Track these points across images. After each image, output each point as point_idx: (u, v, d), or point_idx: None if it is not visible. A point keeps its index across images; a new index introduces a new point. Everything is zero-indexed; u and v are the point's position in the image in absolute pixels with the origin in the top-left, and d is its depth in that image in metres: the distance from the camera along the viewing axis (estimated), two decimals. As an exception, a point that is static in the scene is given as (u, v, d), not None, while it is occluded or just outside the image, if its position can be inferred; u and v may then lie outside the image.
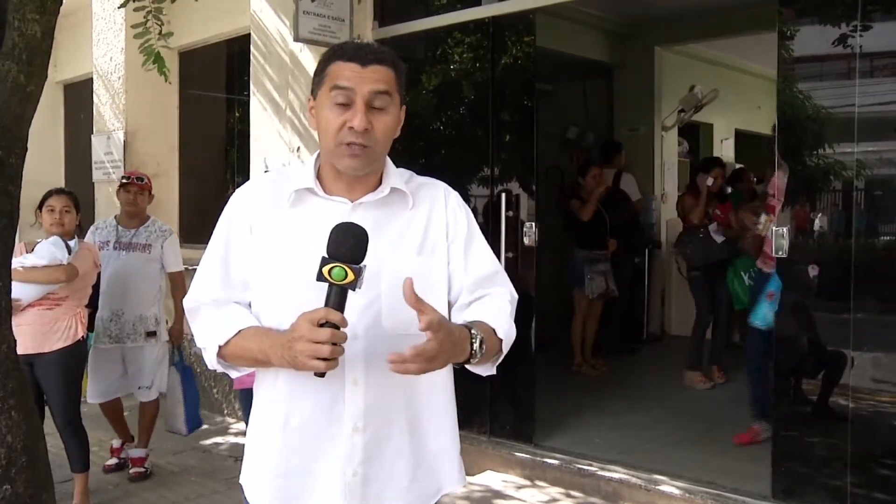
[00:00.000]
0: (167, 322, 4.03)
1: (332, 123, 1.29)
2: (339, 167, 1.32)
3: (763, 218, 3.87)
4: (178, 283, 3.93)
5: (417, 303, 1.15)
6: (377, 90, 1.29)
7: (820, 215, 2.98)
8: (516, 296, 1.44)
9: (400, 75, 1.34)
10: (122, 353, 3.86)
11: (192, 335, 1.40)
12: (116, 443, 3.97)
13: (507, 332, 1.34)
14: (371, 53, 1.31)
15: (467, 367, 1.32)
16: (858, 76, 2.77)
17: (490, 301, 1.39)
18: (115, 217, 3.98)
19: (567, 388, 4.59)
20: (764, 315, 3.66)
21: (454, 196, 1.45)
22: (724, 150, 7.39)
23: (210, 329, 1.33)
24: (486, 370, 1.37)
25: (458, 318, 1.37)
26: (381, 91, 1.29)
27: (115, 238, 3.85)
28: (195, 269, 1.43)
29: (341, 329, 1.16)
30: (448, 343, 1.18)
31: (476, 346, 1.25)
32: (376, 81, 1.29)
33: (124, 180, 3.93)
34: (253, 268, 1.34)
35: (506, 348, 1.36)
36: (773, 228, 3.51)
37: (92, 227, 3.97)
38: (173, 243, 3.93)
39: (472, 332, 1.26)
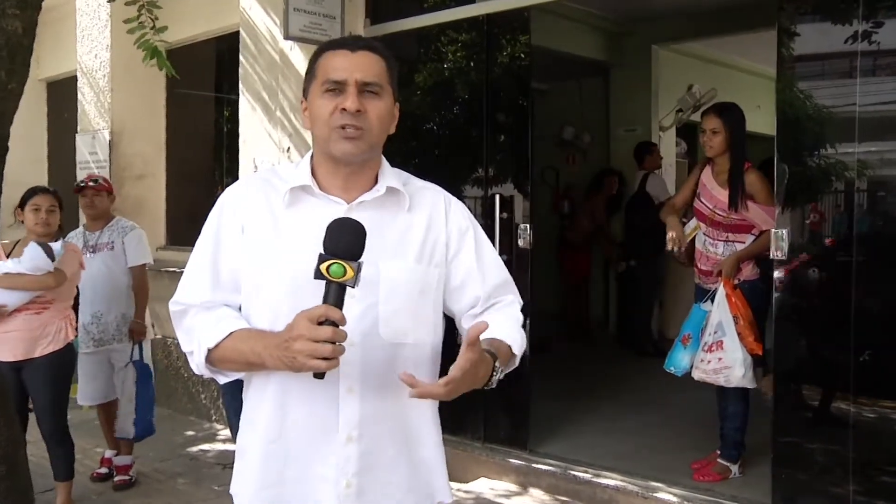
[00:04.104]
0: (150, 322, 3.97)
1: (324, 109, 1.28)
2: (335, 152, 1.29)
3: (692, 223, 3.46)
4: (139, 278, 3.84)
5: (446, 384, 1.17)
6: (368, 77, 1.28)
7: (820, 217, 2.93)
8: (521, 301, 1.45)
9: (391, 66, 1.33)
10: (109, 355, 3.81)
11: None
12: (109, 453, 3.90)
13: (520, 346, 1.36)
14: (360, 41, 1.32)
15: None
16: (860, 75, 2.72)
17: (504, 311, 1.40)
18: (83, 225, 3.95)
19: (563, 393, 4.54)
20: (678, 361, 3.32)
21: (456, 204, 1.42)
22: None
23: (198, 332, 1.28)
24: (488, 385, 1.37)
25: (472, 325, 1.37)
26: (373, 77, 1.29)
27: (83, 243, 3.80)
28: (183, 273, 1.38)
29: (341, 327, 1.13)
30: (471, 379, 1.20)
31: (495, 377, 1.26)
32: (367, 68, 1.28)
33: (80, 185, 3.88)
34: (244, 269, 1.31)
35: (517, 362, 1.37)
36: (703, 235, 3.39)
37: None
38: (134, 238, 3.85)
39: (496, 364, 1.26)
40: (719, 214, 3.32)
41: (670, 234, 3.43)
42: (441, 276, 1.36)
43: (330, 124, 1.28)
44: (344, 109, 1.26)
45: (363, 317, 1.26)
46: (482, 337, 1.26)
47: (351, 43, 1.31)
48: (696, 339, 3.30)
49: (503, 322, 1.35)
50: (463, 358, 1.16)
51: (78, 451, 3.48)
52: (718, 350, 3.16)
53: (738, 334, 3.14)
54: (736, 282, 3.26)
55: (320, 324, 1.12)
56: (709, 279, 3.37)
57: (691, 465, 3.38)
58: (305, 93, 1.35)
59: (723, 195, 3.30)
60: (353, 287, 1.15)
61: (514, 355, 1.34)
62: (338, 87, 1.27)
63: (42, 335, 3.24)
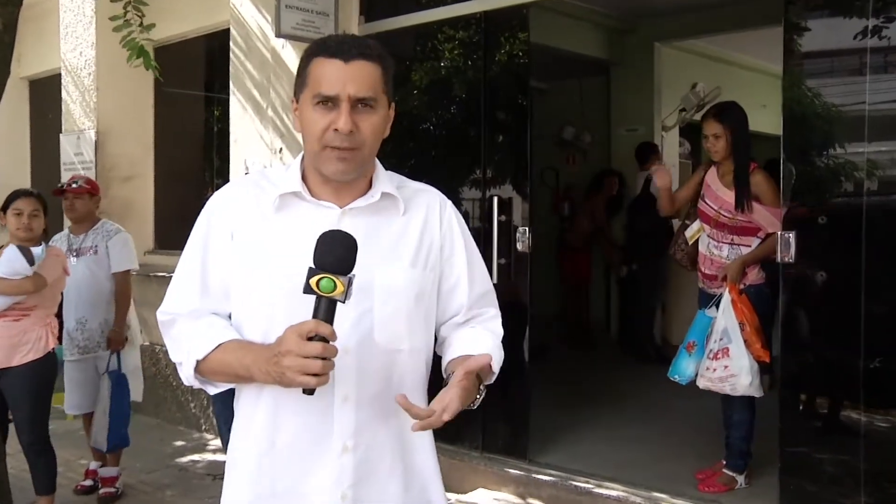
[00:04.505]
0: (137, 329, 3.87)
1: (315, 125, 1.25)
2: (325, 172, 1.27)
3: (695, 225, 3.36)
4: (120, 284, 3.73)
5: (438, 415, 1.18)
6: (361, 93, 1.24)
7: (828, 218, 2.85)
8: (500, 315, 1.48)
9: (387, 71, 1.29)
10: (95, 362, 3.72)
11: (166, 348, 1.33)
12: (94, 465, 3.80)
13: (499, 364, 1.38)
14: (355, 48, 1.25)
15: None
16: (870, 72, 2.67)
17: (487, 326, 1.42)
18: (69, 228, 3.86)
19: (563, 401, 4.46)
20: (682, 369, 3.23)
21: (450, 207, 1.41)
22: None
23: (187, 343, 1.27)
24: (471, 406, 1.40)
25: (454, 335, 1.39)
26: (367, 91, 1.24)
27: (68, 246, 3.72)
28: (171, 278, 1.35)
29: (331, 343, 1.13)
30: (464, 403, 1.21)
31: (479, 399, 1.28)
32: (361, 81, 1.24)
33: (61, 187, 3.79)
34: (234, 276, 1.29)
35: (493, 379, 1.38)
36: (707, 238, 3.32)
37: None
38: (118, 242, 3.75)
39: (481, 388, 1.28)
40: (724, 216, 3.25)
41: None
42: (435, 280, 1.36)
43: (321, 143, 1.25)
44: (336, 130, 1.23)
45: (358, 323, 1.25)
46: (468, 352, 1.29)
47: (345, 51, 1.24)
48: (700, 346, 3.22)
49: (486, 340, 1.37)
50: (460, 386, 1.19)
51: (61, 462, 3.39)
52: (724, 357, 3.08)
53: (745, 341, 3.06)
54: (741, 286, 3.18)
55: (310, 339, 1.11)
56: (713, 284, 3.29)
57: (696, 475, 3.31)
58: (296, 94, 1.31)
59: (728, 196, 3.23)
60: (343, 302, 1.13)
61: (492, 373, 1.35)
62: (330, 102, 1.23)
63: (21, 342, 3.15)
